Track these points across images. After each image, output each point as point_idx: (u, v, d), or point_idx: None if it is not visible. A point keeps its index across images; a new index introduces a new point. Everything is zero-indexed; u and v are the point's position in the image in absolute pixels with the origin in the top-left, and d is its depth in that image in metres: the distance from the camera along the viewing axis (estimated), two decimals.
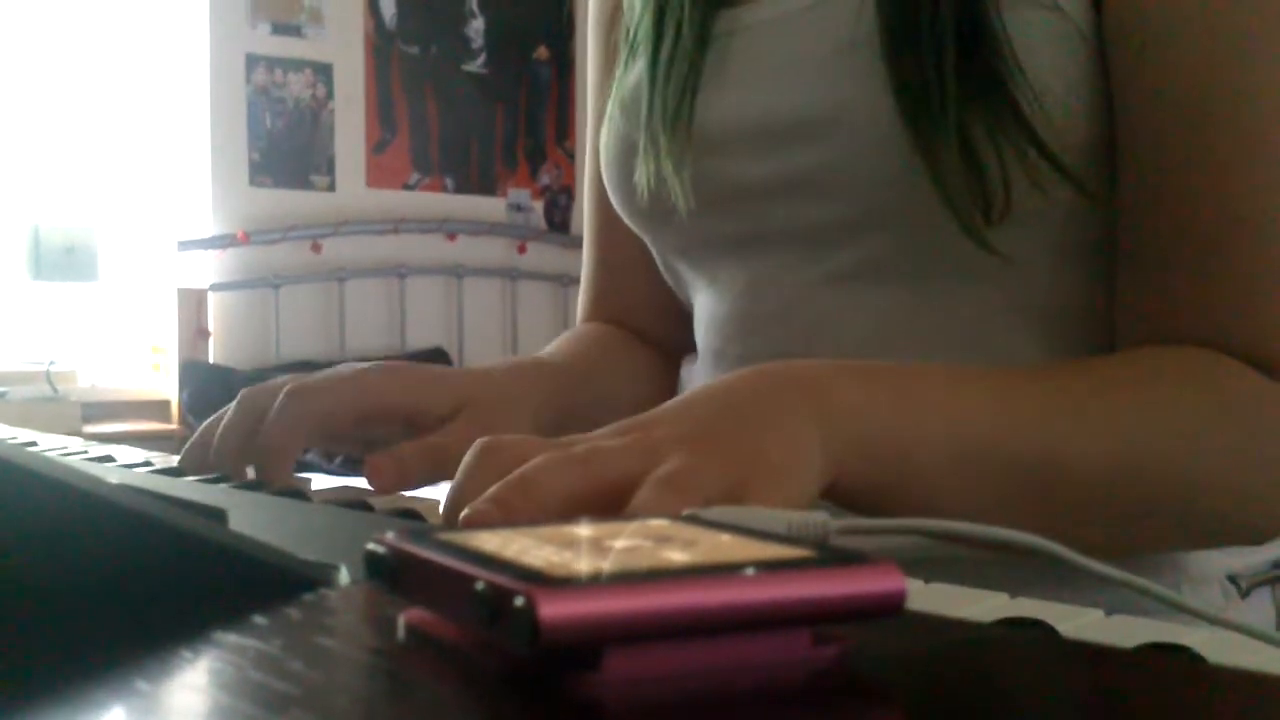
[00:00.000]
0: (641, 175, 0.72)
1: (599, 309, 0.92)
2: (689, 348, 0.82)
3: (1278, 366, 0.59)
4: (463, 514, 0.43)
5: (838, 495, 0.49)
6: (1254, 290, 0.60)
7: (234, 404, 0.67)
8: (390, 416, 0.67)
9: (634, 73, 0.75)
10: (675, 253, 0.78)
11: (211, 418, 0.68)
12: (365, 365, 0.69)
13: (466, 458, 0.47)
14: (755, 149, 0.69)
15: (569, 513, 0.43)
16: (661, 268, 0.81)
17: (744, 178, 0.70)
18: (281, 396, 0.65)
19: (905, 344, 0.67)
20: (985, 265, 0.65)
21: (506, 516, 0.42)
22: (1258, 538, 0.63)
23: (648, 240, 0.79)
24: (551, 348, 0.86)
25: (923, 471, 0.51)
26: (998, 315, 0.66)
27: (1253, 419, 0.59)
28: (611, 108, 0.77)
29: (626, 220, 0.78)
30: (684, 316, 0.83)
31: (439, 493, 0.54)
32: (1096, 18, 0.62)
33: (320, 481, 0.66)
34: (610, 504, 0.43)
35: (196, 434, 0.68)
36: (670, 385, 0.88)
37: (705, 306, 0.78)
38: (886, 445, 0.50)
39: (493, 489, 0.43)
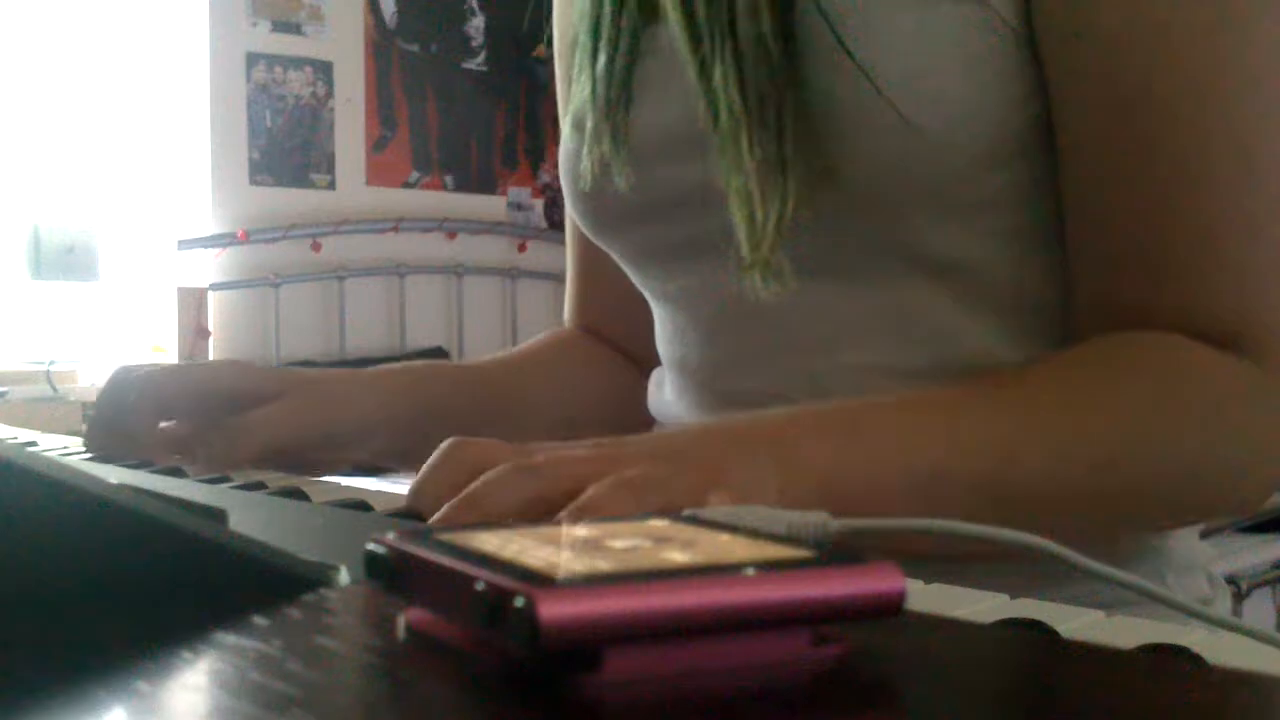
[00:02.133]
0: (586, 163, 0.74)
1: (578, 314, 0.94)
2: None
3: (1230, 340, 0.61)
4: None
5: None
6: (1201, 269, 0.61)
7: (103, 388, 0.77)
8: (218, 398, 0.74)
9: (581, 87, 0.77)
10: (628, 263, 0.79)
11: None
12: (215, 360, 0.76)
13: (433, 455, 0.51)
14: (686, 156, 0.69)
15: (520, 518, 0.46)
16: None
17: (679, 184, 0.71)
18: (135, 384, 0.74)
19: (861, 338, 0.68)
20: (931, 256, 0.65)
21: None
22: (1244, 509, 0.65)
23: (609, 251, 0.80)
24: (501, 352, 0.93)
25: (881, 501, 0.53)
26: (950, 305, 0.66)
27: (1212, 400, 0.61)
28: (564, 125, 0.80)
29: (585, 232, 0.80)
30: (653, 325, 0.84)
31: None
32: (1023, 6, 0.62)
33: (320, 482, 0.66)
34: (562, 509, 0.45)
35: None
36: (627, 395, 0.89)
37: (663, 316, 0.79)
38: (841, 494, 0.52)
39: (442, 510, 0.46)
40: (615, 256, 0.80)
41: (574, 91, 0.78)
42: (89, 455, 0.75)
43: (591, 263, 0.90)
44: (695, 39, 0.65)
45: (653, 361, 0.84)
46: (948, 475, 0.55)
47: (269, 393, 0.74)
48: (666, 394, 0.79)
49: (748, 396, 0.72)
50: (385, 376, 0.81)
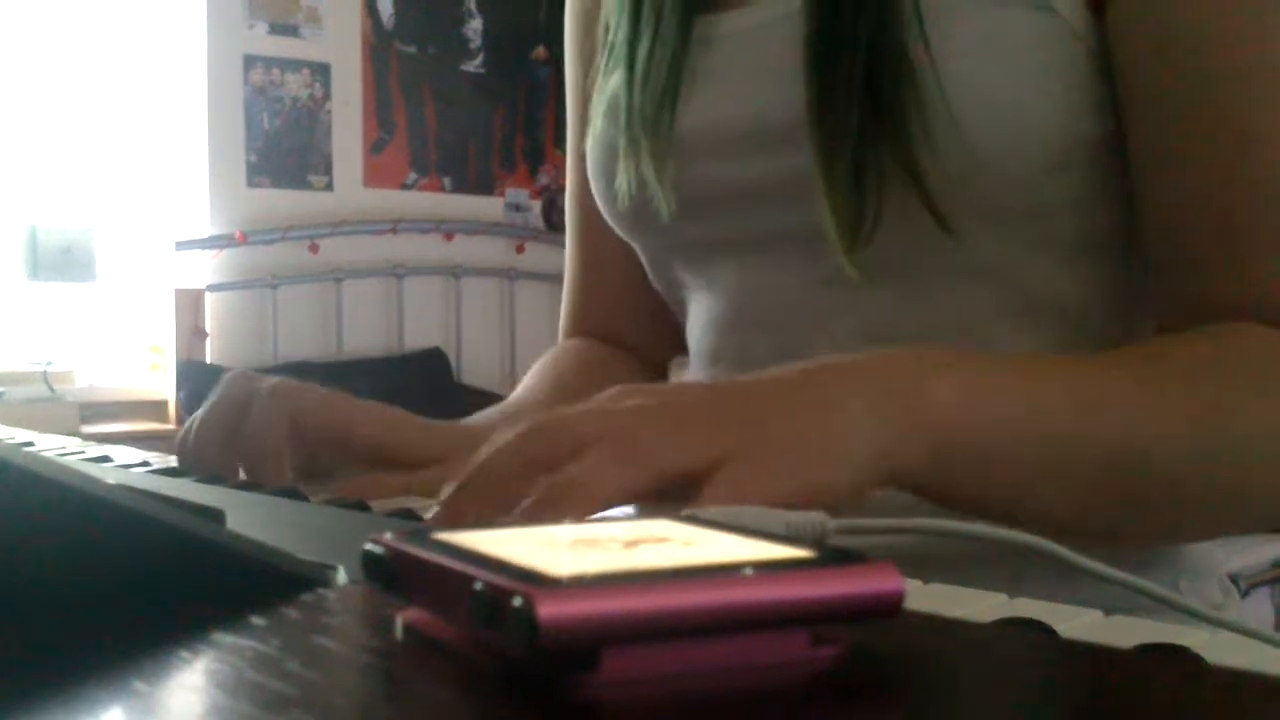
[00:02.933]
0: (622, 181, 0.72)
1: (580, 320, 0.90)
2: (674, 354, 0.81)
3: None
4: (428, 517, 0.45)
5: (907, 489, 0.49)
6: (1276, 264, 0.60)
7: (217, 391, 0.67)
8: (360, 447, 0.66)
9: (615, 77, 0.74)
10: (665, 254, 0.77)
11: (200, 410, 0.67)
12: (363, 401, 0.68)
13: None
14: (742, 153, 0.68)
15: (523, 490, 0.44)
16: (650, 273, 0.81)
17: (732, 181, 0.69)
18: (263, 393, 0.65)
19: (902, 344, 0.66)
20: (979, 265, 0.65)
21: (457, 520, 0.43)
22: None
23: (634, 245, 0.79)
24: (537, 374, 0.85)
25: (1002, 467, 0.51)
26: (993, 314, 0.66)
27: None
28: (594, 113, 0.77)
29: (613, 225, 0.78)
30: (669, 322, 0.82)
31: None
32: (1093, 16, 0.62)
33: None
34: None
35: (188, 428, 0.67)
36: None
37: (700, 307, 0.77)
38: (962, 442, 0.50)
39: (445, 492, 0.45)
40: (648, 251, 0.78)
41: (605, 80, 0.76)
42: (153, 467, 0.69)
43: (600, 266, 0.87)
44: (820, 35, 0.64)
45: (666, 360, 0.83)
46: (1074, 440, 0.53)
47: (423, 455, 0.66)
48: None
49: None
50: None
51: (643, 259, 0.80)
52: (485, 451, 0.45)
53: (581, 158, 0.80)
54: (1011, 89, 0.61)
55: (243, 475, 0.65)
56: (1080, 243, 0.66)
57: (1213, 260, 0.61)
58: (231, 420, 0.65)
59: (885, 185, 0.62)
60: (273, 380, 0.66)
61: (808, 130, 0.64)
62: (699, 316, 0.78)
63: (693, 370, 0.78)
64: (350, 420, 0.67)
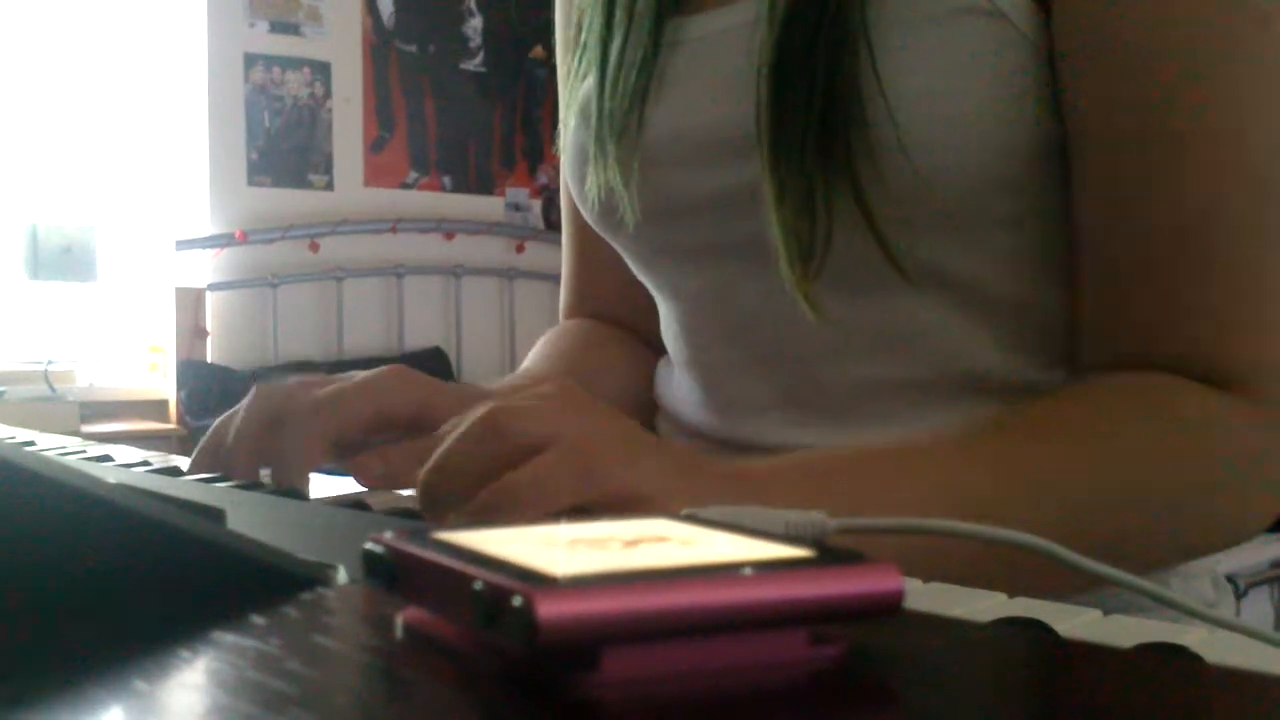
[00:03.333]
0: (591, 185, 0.72)
1: (580, 306, 0.91)
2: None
3: (1234, 383, 0.59)
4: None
5: None
6: (1209, 307, 0.59)
7: (246, 403, 0.64)
8: (396, 423, 0.64)
9: (589, 80, 0.74)
10: (635, 260, 0.77)
11: (224, 416, 0.65)
12: (375, 371, 0.66)
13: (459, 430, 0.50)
14: (708, 160, 0.68)
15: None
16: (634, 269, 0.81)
17: (698, 189, 0.69)
18: (296, 416, 0.62)
19: (868, 351, 0.67)
20: (937, 272, 0.65)
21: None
22: (1226, 548, 0.64)
23: (612, 244, 0.79)
24: (540, 351, 0.85)
25: None
26: (959, 322, 0.66)
27: (1210, 446, 0.60)
28: (567, 113, 0.77)
29: (592, 225, 0.78)
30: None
31: None
32: (1043, 20, 0.61)
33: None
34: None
35: (209, 435, 0.65)
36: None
37: (671, 314, 0.77)
38: None
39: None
40: (624, 254, 0.78)
41: (578, 81, 0.75)
42: (155, 467, 0.68)
43: (595, 251, 0.86)
44: (777, 53, 0.63)
45: (661, 344, 0.83)
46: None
47: (441, 419, 0.61)
48: (674, 389, 0.78)
49: (752, 400, 0.71)
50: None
51: (624, 256, 0.80)
52: (444, 446, 0.49)
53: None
54: (962, 102, 0.60)
55: (265, 476, 0.63)
56: (1043, 251, 0.65)
57: (1133, 295, 0.61)
58: (261, 433, 0.63)
59: (836, 201, 0.62)
60: (299, 388, 0.64)
61: (757, 145, 0.63)
62: (670, 322, 0.78)
63: (676, 373, 0.78)
64: (379, 406, 0.63)
